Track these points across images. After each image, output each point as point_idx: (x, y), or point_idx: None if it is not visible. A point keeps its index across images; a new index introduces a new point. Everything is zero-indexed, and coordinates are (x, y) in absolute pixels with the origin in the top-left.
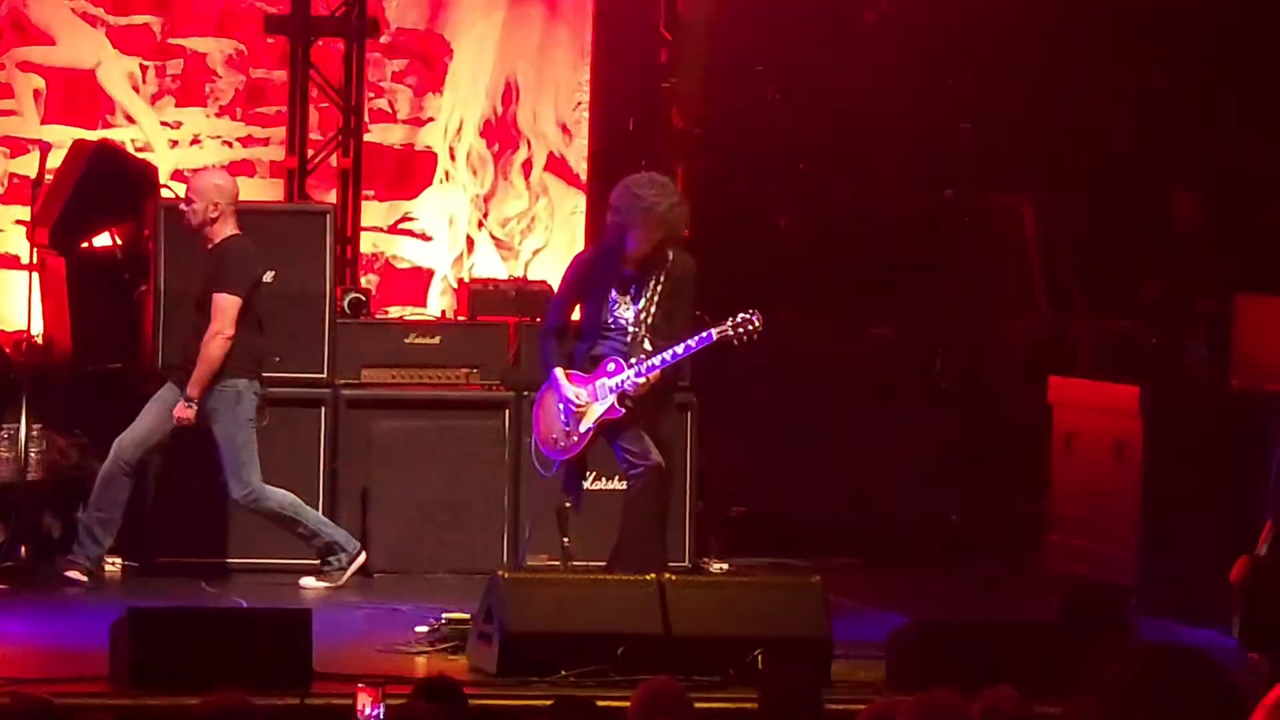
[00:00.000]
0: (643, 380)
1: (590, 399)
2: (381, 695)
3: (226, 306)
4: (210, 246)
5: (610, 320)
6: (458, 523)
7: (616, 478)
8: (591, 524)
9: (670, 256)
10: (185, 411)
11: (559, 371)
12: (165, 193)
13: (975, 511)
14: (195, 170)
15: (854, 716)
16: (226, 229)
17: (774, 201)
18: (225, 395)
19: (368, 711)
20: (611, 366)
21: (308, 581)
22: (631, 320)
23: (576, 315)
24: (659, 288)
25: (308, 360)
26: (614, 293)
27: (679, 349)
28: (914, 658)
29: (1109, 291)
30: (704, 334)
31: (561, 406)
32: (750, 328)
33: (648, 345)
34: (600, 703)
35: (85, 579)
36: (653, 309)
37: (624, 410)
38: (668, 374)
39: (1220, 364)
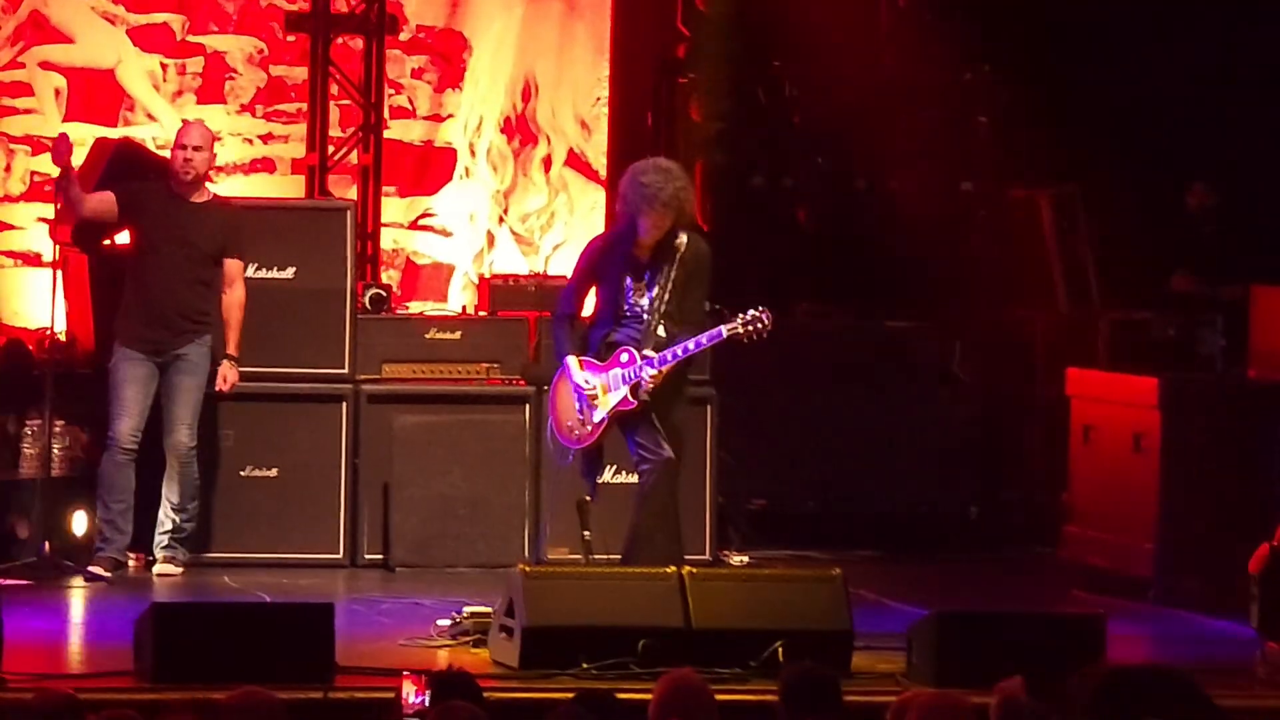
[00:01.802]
0: (654, 373)
1: (604, 388)
2: (426, 683)
3: (242, 270)
4: (200, 201)
5: (626, 307)
6: (478, 517)
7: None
8: (612, 517)
9: (684, 242)
10: (236, 376)
11: (572, 359)
12: None
13: (994, 504)
14: (190, 121)
15: (876, 708)
16: (208, 186)
17: (792, 195)
18: (204, 350)
19: (412, 700)
20: (625, 357)
21: (165, 569)
22: (646, 307)
23: (590, 301)
24: (673, 274)
25: (329, 356)
26: (628, 279)
27: (690, 345)
28: (934, 649)
29: (1126, 283)
30: (714, 330)
31: (576, 395)
32: (760, 325)
33: (661, 331)
34: (621, 695)
35: (109, 574)
36: (666, 295)
37: (636, 402)
38: (678, 366)
39: (1237, 355)
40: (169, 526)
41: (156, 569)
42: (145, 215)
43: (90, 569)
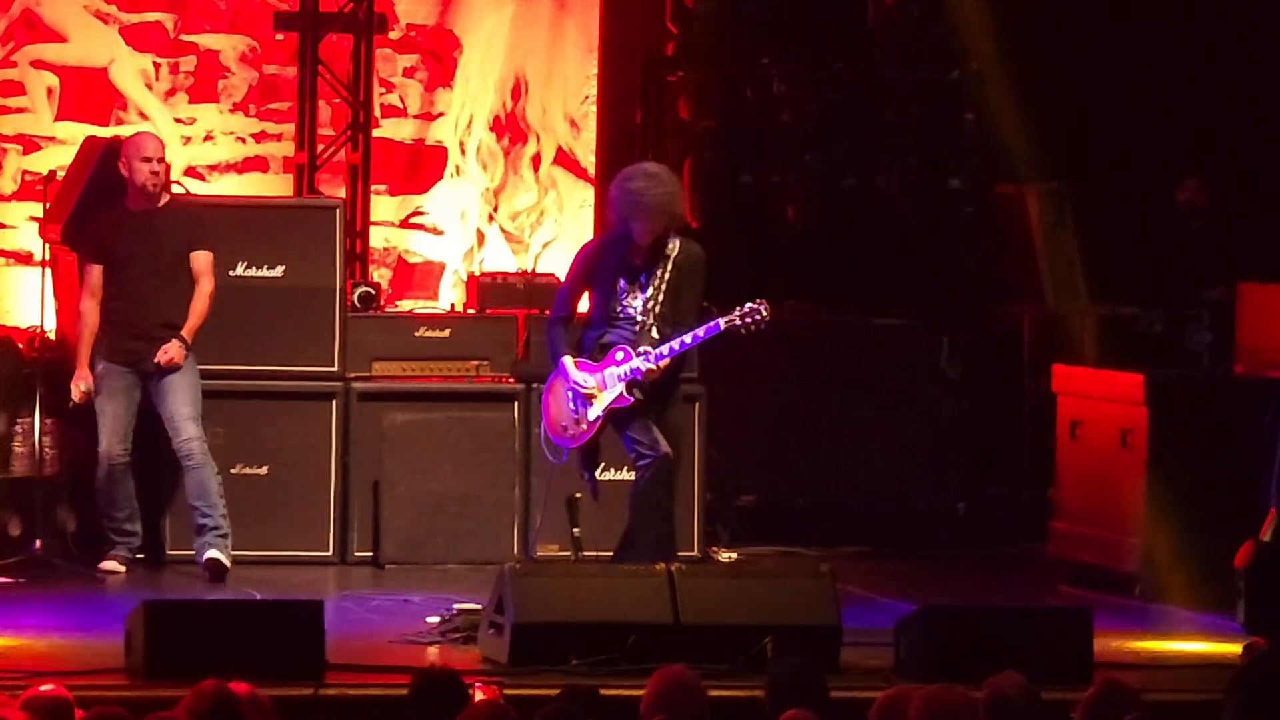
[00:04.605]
0: (651, 368)
1: (599, 387)
2: (499, 693)
3: (211, 262)
4: (159, 206)
5: (619, 309)
6: (468, 514)
7: (626, 468)
8: (601, 514)
9: (677, 245)
10: (180, 353)
11: (568, 359)
12: (176, 188)
13: (981, 499)
14: (138, 133)
15: (864, 703)
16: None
17: (781, 193)
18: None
19: None
20: (620, 355)
21: (214, 554)
22: (640, 309)
23: (584, 305)
24: (666, 277)
25: (319, 354)
26: (622, 282)
27: (687, 339)
28: (922, 644)
29: (1114, 279)
30: (712, 323)
31: (570, 394)
32: (758, 317)
33: (655, 334)
34: (612, 692)
35: (123, 569)
36: (660, 298)
37: (632, 399)
38: (674, 362)
39: (1224, 351)
40: (208, 526)
41: (207, 554)
42: (109, 241)
43: (104, 565)
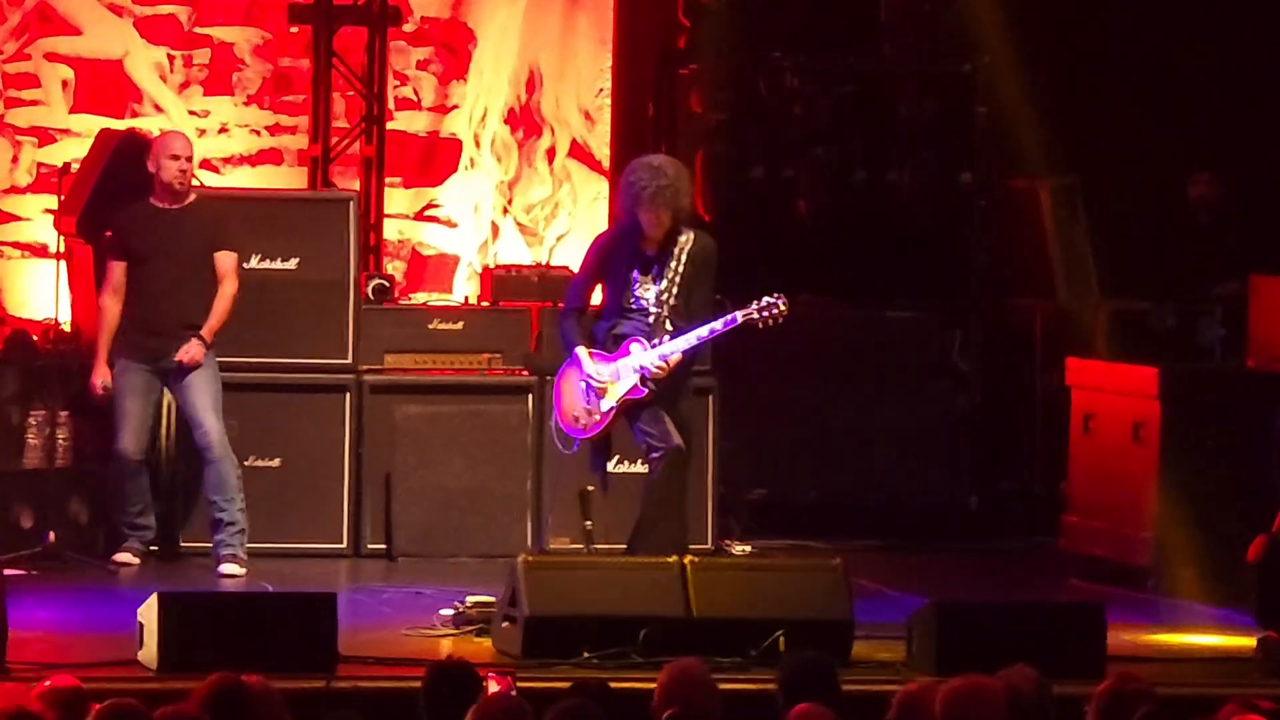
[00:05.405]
0: (665, 362)
1: (612, 378)
2: (511, 683)
3: (235, 264)
4: (183, 205)
5: (632, 301)
6: (481, 507)
7: (639, 461)
8: (614, 507)
9: (691, 237)
10: (200, 351)
11: (582, 350)
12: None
13: (994, 493)
14: (168, 131)
15: (876, 696)
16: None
17: (792, 186)
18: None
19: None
20: (635, 347)
21: (230, 569)
22: (653, 301)
23: (597, 296)
24: (680, 269)
25: (332, 346)
26: (635, 273)
27: (704, 331)
28: (934, 638)
29: (1126, 273)
30: (729, 317)
31: (583, 385)
32: (775, 311)
33: (669, 325)
34: (624, 685)
35: (137, 561)
36: (674, 290)
37: (646, 391)
38: (687, 355)
39: (1236, 345)
40: (225, 522)
41: (221, 568)
42: (132, 237)
43: (117, 557)
